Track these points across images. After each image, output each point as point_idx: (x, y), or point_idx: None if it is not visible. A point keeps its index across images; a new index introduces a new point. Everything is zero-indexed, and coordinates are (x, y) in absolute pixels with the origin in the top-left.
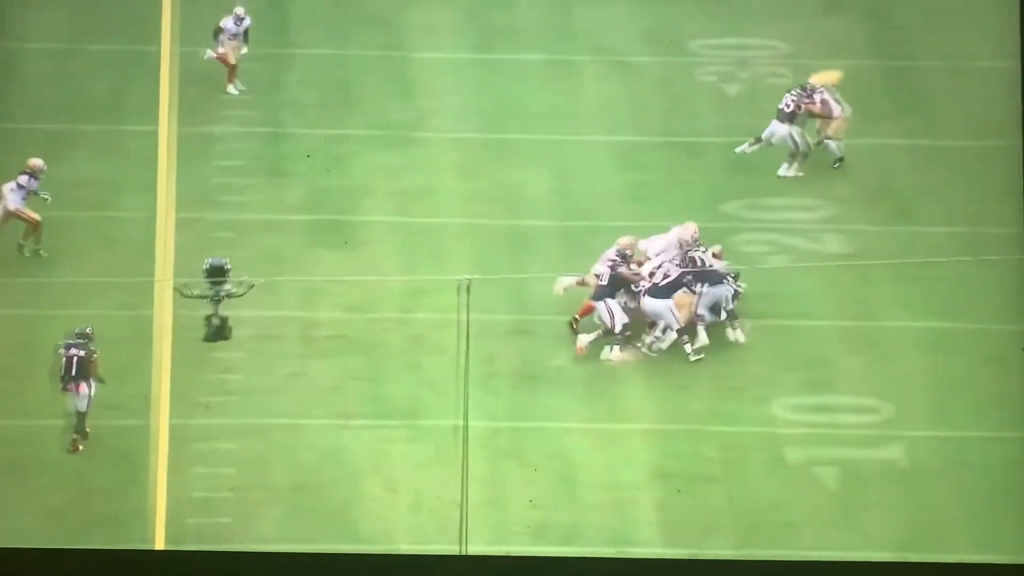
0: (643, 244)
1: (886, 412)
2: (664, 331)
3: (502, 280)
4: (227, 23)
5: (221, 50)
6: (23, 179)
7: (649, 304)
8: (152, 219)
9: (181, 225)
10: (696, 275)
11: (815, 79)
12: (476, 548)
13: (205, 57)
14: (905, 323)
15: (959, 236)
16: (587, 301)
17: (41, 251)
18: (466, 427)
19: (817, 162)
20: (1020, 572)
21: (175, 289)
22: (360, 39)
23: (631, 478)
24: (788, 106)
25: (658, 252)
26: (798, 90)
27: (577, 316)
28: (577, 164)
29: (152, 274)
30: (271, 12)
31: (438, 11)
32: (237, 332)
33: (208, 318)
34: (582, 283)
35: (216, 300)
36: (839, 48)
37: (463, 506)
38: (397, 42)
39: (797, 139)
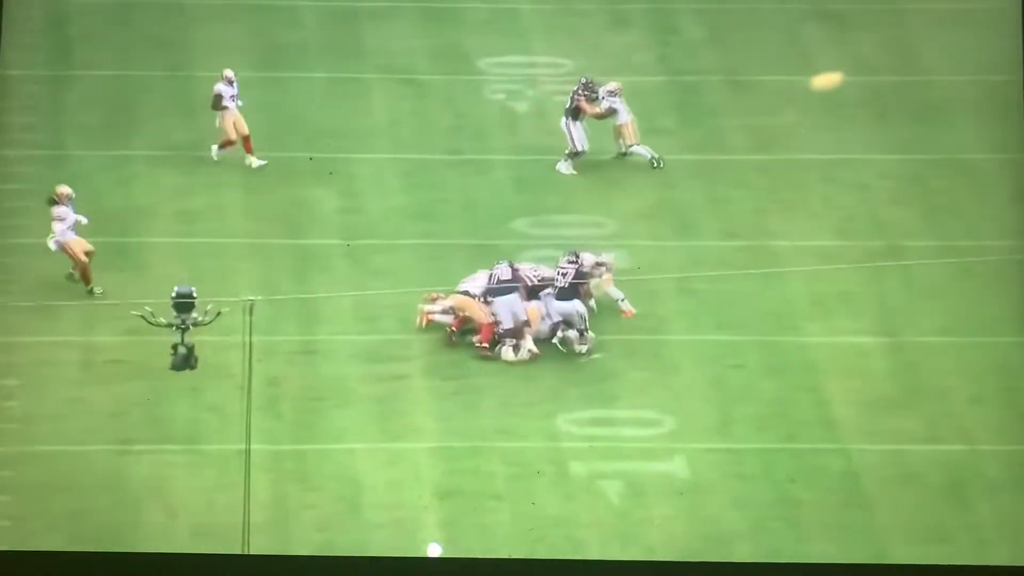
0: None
1: (668, 425)
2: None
3: (287, 300)
4: (221, 87)
5: (219, 123)
6: (62, 210)
7: (559, 306)
8: None
9: None
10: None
11: (817, 82)
12: None
13: (216, 158)
14: (686, 336)
15: (743, 250)
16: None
17: (94, 289)
18: (248, 451)
19: (604, 178)
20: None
21: (140, 316)
22: (144, 59)
23: (415, 497)
24: (569, 102)
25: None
26: (581, 84)
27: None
28: (365, 182)
29: None
30: (53, 33)
31: (223, 30)
32: (13, 359)
33: (175, 347)
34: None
35: (183, 329)
36: (625, 64)
37: (245, 530)
38: (182, 62)
39: (573, 134)
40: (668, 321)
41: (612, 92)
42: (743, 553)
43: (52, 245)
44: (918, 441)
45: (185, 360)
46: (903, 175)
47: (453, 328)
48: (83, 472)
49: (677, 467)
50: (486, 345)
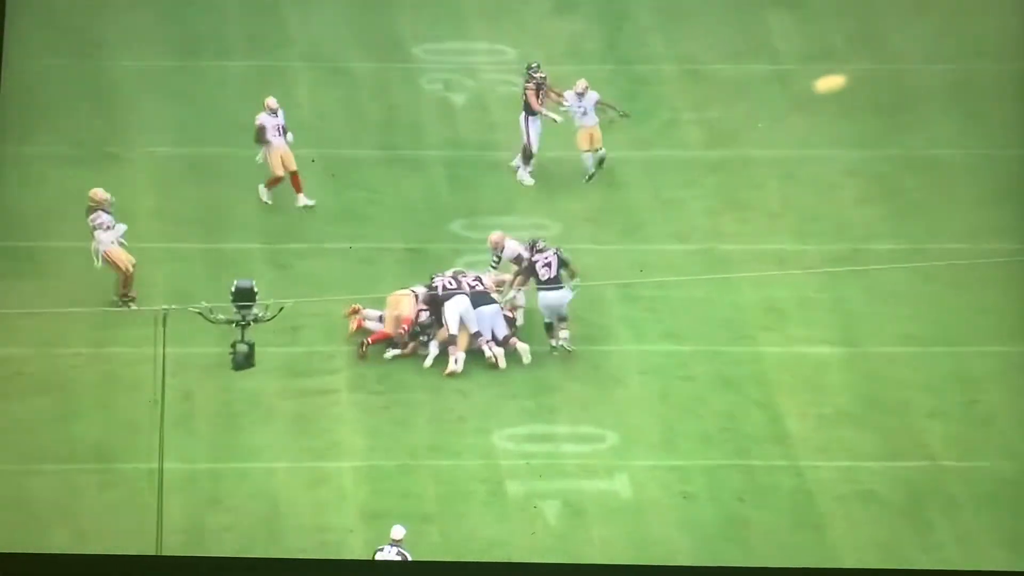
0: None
1: (610, 441)
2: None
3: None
4: (264, 119)
5: (264, 157)
6: (105, 218)
7: (550, 299)
8: None
9: None
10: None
11: (819, 85)
12: None
13: (265, 199)
14: (631, 347)
15: (693, 253)
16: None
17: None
18: (161, 470)
19: (547, 177)
20: None
21: (198, 313)
22: (51, 48)
23: (340, 519)
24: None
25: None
26: (527, 72)
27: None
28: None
29: None
30: None
31: (138, 17)
32: None
33: (234, 345)
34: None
35: (243, 325)
36: (571, 52)
37: (157, 552)
38: (92, 50)
39: (528, 131)
40: (612, 330)
41: (581, 93)
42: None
43: (100, 260)
44: (875, 457)
45: (247, 358)
46: (870, 172)
47: (368, 342)
48: None
49: (619, 485)
50: (404, 334)
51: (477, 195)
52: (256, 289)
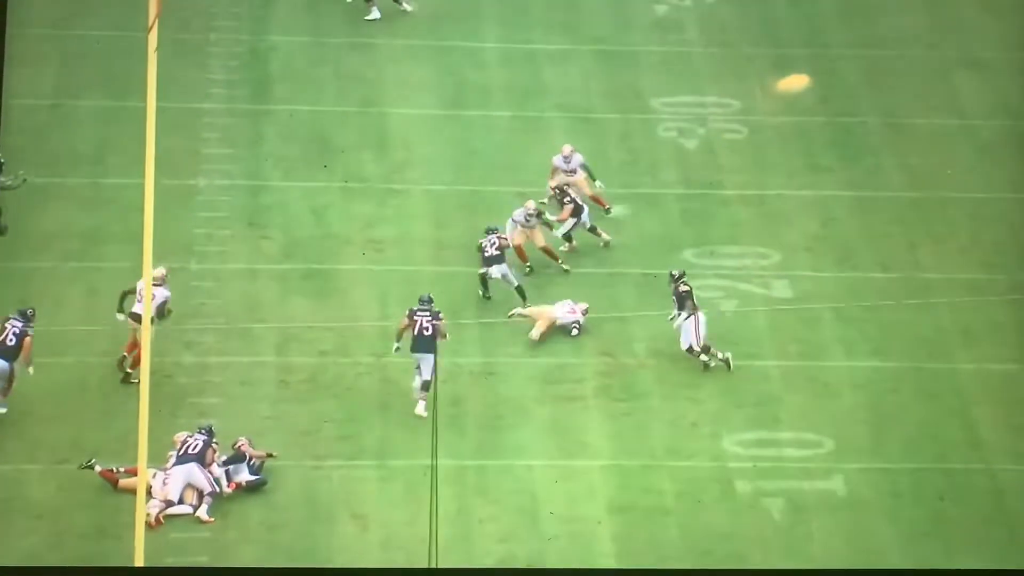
0: None
1: (827, 446)
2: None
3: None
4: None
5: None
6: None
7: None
8: (134, 267)
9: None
10: None
11: (781, 84)
12: None
13: None
14: (844, 363)
15: (896, 281)
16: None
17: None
18: (435, 467)
19: (768, 212)
20: None
21: None
22: (338, 95)
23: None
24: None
25: None
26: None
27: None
28: None
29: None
30: (253, 69)
31: (414, 69)
32: (216, 377)
33: None
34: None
35: None
36: (789, 105)
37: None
38: (374, 98)
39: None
40: (827, 348)
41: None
42: (894, 563)
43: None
44: None
45: None
46: None
47: None
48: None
49: (836, 485)
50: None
51: (706, 227)
52: (2, 160)
